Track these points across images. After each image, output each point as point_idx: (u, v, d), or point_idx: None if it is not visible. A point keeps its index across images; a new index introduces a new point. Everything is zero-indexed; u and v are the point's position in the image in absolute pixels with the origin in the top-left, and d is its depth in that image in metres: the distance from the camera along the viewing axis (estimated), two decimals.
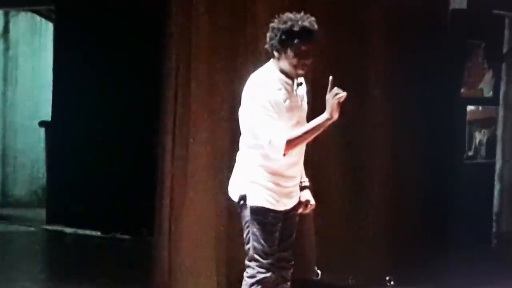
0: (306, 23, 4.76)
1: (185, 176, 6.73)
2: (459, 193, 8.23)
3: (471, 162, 8.50)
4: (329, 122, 4.80)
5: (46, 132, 11.19)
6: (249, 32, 6.86)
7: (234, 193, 4.99)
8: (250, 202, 4.88)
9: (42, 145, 11.54)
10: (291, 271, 5.14)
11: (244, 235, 4.96)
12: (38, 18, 12.19)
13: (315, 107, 7.26)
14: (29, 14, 12.23)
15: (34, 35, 12.38)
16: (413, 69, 7.77)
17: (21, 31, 12.35)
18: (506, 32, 8.96)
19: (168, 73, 6.79)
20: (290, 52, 4.76)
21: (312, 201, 5.16)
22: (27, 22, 12.37)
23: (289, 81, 4.87)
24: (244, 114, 4.89)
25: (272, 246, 4.91)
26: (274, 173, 4.87)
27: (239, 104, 5.04)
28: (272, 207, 4.88)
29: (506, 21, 8.96)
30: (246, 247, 4.96)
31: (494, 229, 8.92)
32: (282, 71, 4.84)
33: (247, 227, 4.92)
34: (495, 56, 8.76)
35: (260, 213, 4.86)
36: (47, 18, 11.84)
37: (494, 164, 8.91)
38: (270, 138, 4.72)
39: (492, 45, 8.70)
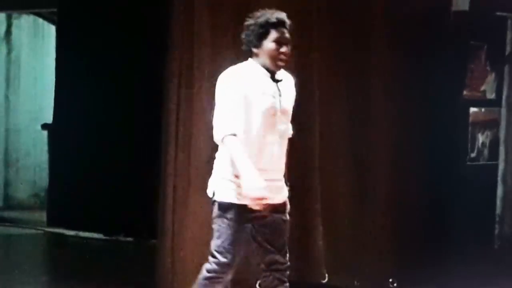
0: (280, 15, 4.89)
1: (187, 178, 6.72)
2: (462, 194, 8.23)
3: (474, 163, 8.50)
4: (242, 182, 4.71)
5: (49, 135, 11.20)
6: None
7: (209, 190, 5.01)
8: (218, 198, 4.89)
9: (44, 147, 11.55)
10: (287, 272, 5.10)
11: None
12: (40, 21, 12.21)
13: (320, 107, 7.35)
14: (32, 17, 12.24)
15: (36, 37, 12.40)
16: (415, 71, 7.77)
17: (23, 34, 12.37)
18: (509, 33, 8.96)
19: (170, 75, 6.78)
20: (268, 43, 4.84)
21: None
22: (29, 25, 12.38)
23: (268, 74, 4.89)
24: (216, 105, 4.88)
25: (233, 245, 4.88)
26: None
27: None
28: (237, 202, 4.84)
29: (509, 22, 8.96)
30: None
31: (496, 231, 8.92)
32: (263, 66, 4.88)
33: (213, 223, 4.92)
34: (497, 57, 8.76)
35: (225, 209, 4.86)
36: (50, 21, 11.85)
37: (497, 165, 8.90)
38: (225, 124, 4.72)
39: (495, 46, 8.70)
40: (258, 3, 6.90)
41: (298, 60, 7.27)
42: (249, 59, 4.94)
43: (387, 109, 7.67)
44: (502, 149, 8.95)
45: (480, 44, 8.57)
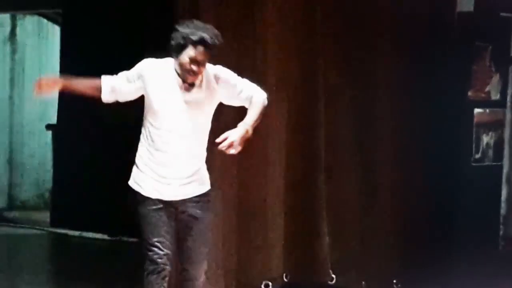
0: (205, 34, 4.85)
1: None
2: (467, 195, 8.22)
3: (478, 164, 8.49)
4: None
5: (53, 135, 11.20)
6: (258, 34, 6.87)
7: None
8: (130, 182, 5.19)
9: (48, 148, 11.54)
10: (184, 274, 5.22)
11: None
12: (45, 21, 12.21)
13: (325, 108, 7.34)
14: (36, 17, 12.25)
15: (41, 38, 12.40)
16: (420, 72, 7.77)
17: (28, 34, 12.37)
18: None
19: None
20: (183, 57, 4.86)
21: (232, 137, 4.89)
22: (34, 25, 12.39)
23: (179, 80, 4.95)
24: None
25: (153, 237, 5.08)
26: (149, 155, 5.08)
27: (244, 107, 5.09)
28: (143, 192, 5.13)
29: None
30: None
31: (501, 232, 8.90)
32: (176, 71, 4.94)
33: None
34: (502, 58, 8.75)
35: (137, 200, 5.12)
36: (54, 21, 11.86)
37: (501, 166, 8.89)
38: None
39: (499, 47, 8.69)
40: (262, 4, 6.94)
41: (303, 61, 7.29)
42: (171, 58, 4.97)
43: (392, 110, 7.66)
44: (506, 149, 8.93)
45: (485, 45, 8.56)
